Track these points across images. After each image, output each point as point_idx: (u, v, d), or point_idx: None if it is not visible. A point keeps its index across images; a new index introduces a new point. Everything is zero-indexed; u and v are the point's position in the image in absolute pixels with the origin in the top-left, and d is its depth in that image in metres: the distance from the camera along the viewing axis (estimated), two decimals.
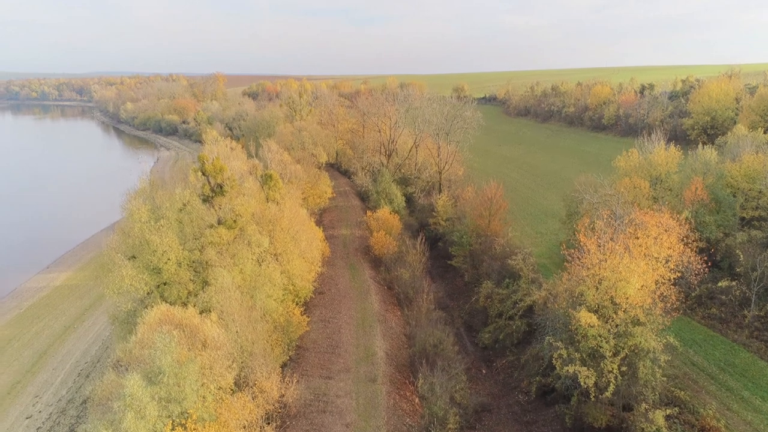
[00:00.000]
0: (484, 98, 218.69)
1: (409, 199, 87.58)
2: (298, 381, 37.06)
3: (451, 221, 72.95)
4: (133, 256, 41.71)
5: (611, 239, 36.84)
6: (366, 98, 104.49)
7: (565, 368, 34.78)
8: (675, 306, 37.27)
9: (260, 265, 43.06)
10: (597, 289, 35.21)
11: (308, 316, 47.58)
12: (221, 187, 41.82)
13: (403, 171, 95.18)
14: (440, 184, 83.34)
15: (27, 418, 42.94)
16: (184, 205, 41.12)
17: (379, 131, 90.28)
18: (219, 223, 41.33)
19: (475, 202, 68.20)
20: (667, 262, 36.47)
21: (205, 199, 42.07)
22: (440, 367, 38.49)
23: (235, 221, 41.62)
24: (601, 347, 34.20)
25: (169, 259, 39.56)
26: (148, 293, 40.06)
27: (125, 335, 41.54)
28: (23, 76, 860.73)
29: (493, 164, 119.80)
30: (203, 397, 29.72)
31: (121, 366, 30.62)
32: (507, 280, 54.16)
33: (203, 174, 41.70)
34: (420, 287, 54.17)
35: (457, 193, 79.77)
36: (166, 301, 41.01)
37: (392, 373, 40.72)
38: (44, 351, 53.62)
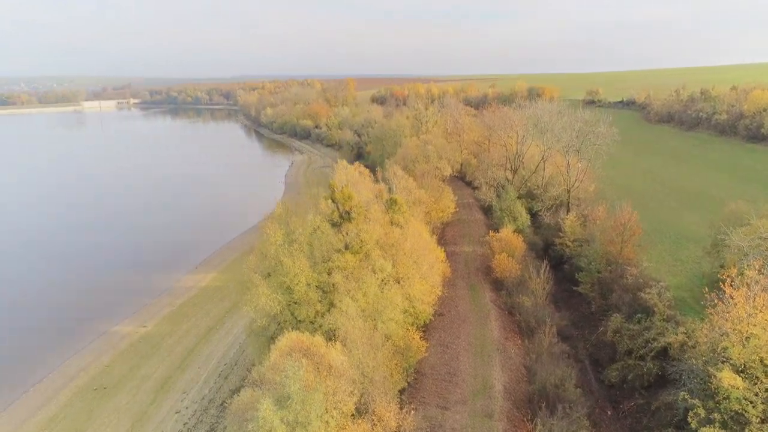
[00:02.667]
0: (621, 102, 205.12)
1: (534, 215, 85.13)
2: (415, 409, 37.94)
3: (579, 243, 69.84)
4: (269, 274, 45.42)
5: (764, 290, 33.17)
6: (493, 112, 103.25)
7: (702, 429, 32.05)
8: None
9: (383, 289, 44.58)
10: (744, 346, 31.96)
11: (427, 340, 48.40)
12: (349, 214, 43.93)
13: (528, 185, 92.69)
14: (568, 202, 79.94)
15: (176, 412, 48.39)
16: (315, 229, 43.84)
17: (505, 146, 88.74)
18: (346, 248, 43.47)
19: (605, 224, 64.72)
20: None
21: (334, 224, 44.42)
22: (561, 411, 37.21)
23: (361, 247, 43.48)
24: (746, 412, 31.04)
25: (300, 281, 42.45)
26: (280, 311, 43.34)
27: (259, 347, 45.42)
28: (179, 81, 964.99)
29: (627, 177, 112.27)
30: (326, 423, 31.63)
31: (255, 385, 33.60)
32: (639, 315, 50.71)
33: (333, 201, 44.08)
34: (542, 317, 52.56)
35: (587, 212, 76.00)
36: (297, 319, 44.19)
37: (509, 410, 40.12)
38: (191, 349, 59.90)
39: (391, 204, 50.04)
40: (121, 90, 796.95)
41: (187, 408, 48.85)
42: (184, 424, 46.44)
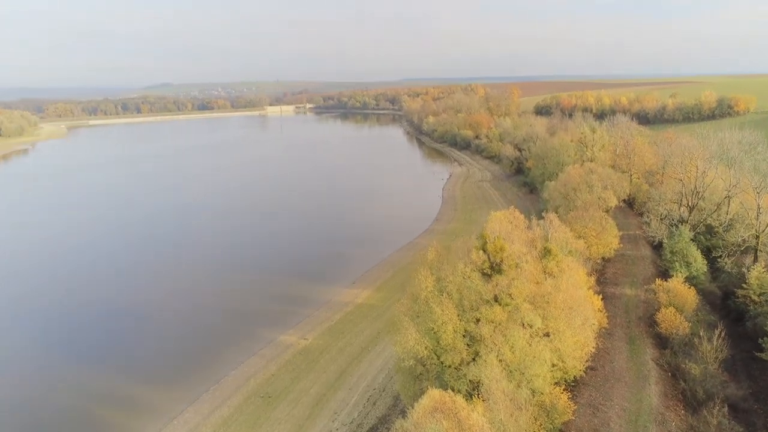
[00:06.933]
0: None
1: (711, 259, 76.41)
2: None
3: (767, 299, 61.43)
4: (417, 315, 47.21)
5: None
6: (668, 140, 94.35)
7: None
8: None
9: (530, 343, 43.77)
10: None
11: (575, 398, 46.41)
12: (500, 266, 43.85)
13: (708, 221, 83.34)
14: (756, 249, 70.39)
15: None
16: (465, 278, 44.54)
17: (681, 181, 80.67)
18: (495, 300, 43.47)
19: None
20: None
21: (484, 275, 44.66)
22: None
23: (511, 299, 43.21)
24: None
25: (447, 329, 43.47)
26: (427, 355, 44.78)
27: (405, 384, 47.44)
28: (348, 87, 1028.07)
29: None
30: None
31: None
32: None
33: (484, 251, 44.34)
34: (712, 389, 47.33)
35: None
36: (442, 364, 45.31)
37: None
38: (344, 369, 63.98)
39: (546, 253, 48.82)
40: (299, 95, 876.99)
41: (337, 429, 52.49)
42: None
